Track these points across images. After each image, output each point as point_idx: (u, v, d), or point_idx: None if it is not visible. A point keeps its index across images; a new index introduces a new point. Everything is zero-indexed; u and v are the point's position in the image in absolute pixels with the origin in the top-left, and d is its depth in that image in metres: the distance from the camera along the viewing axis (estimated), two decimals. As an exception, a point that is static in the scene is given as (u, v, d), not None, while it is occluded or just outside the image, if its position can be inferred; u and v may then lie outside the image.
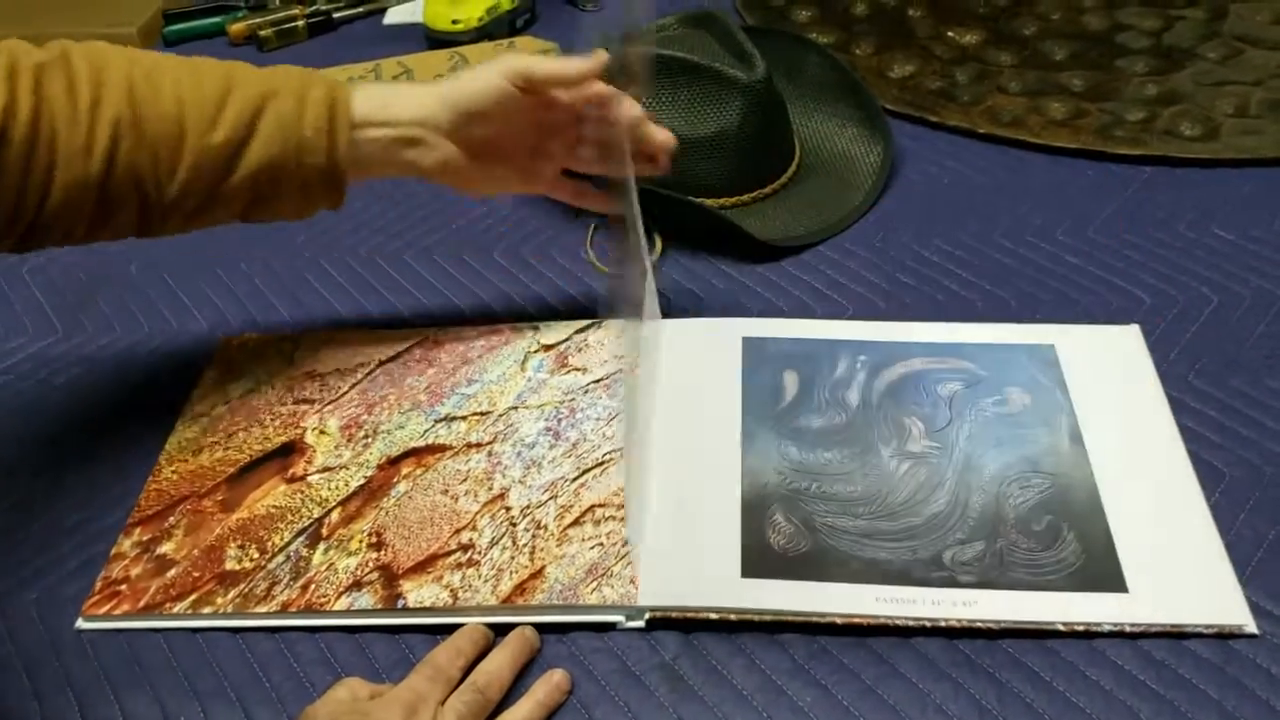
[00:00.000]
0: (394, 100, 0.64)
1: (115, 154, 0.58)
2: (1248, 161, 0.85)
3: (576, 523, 0.60)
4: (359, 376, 0.71)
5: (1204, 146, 0.86)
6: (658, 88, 0.81)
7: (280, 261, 0.84)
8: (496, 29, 1.09)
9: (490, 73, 0.64)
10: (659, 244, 0.81)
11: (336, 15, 1.17)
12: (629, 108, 0.64)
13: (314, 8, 1.16)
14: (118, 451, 0.69)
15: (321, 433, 0.68)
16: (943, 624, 0.54)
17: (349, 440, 0.67)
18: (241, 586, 0.59)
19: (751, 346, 0.70)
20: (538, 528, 0.60)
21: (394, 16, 1.18)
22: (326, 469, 0.65)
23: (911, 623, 0.54)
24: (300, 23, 1.15)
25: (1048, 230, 0.80)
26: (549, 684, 0.54)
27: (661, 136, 0.66)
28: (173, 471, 0.66)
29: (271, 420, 0.69)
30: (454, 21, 1.08)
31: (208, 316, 0.80)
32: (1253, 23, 1.01)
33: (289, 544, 0.61)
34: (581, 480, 0.63)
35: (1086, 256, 0.77)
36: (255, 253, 0.84)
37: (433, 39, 1.10)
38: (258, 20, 1.14)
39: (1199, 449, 0.62)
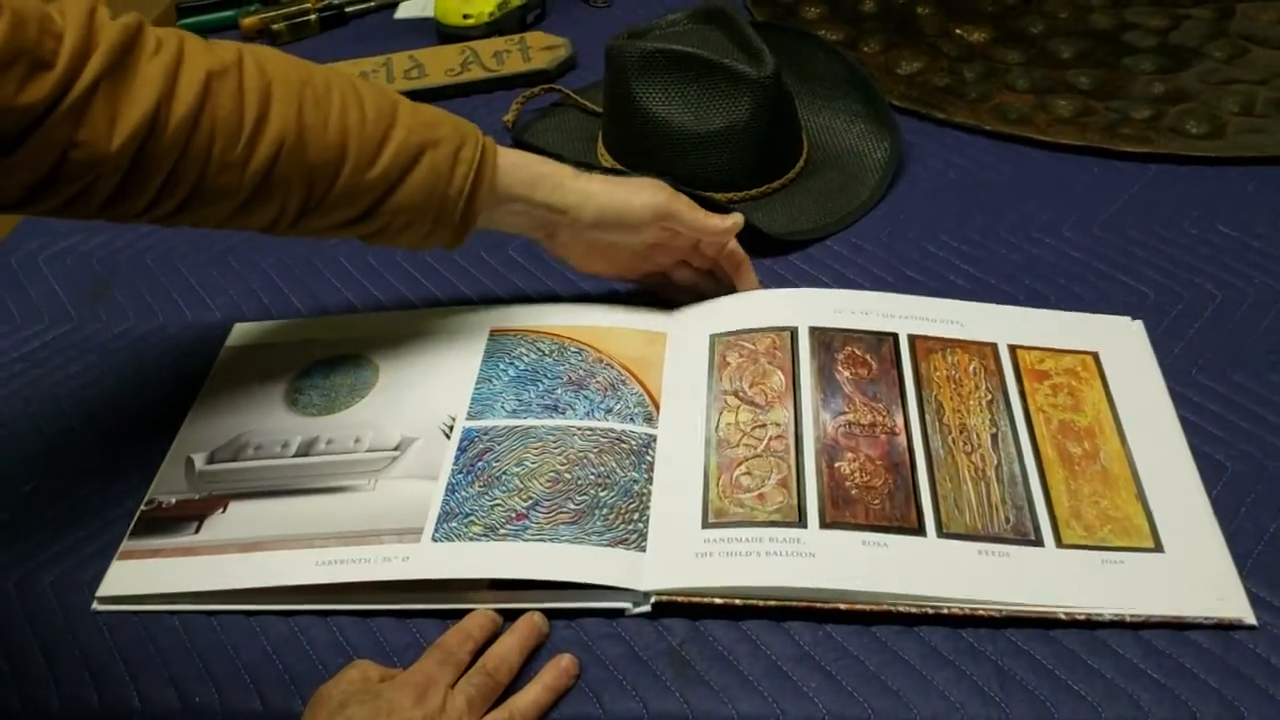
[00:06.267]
0: (541, 182, 0.66)
1: (271, 172, 0.58)
2: (1253, 160, 0.85)
3: None
4: None
5: (1209, 145, 0.87)
6: (667, 83, 0.81)
7: (294, 251, 0.85)
8: (507, 24, 1.10)
9: (642, 205, 0.67)
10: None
11: (348, 9, 1.18)
12: (749, 278, 0.73)
13: (326, 1, 1.17)
14: (133, 438, 0.70)
15: None
16: (959, 612, 0.55)
17: None
18: None
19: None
20: None
21: (405, 11, 1.19)
22: None
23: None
24: (312, 16, 1.16)
25: (1054, 226, 0.81)
26: (557, 668, 0.55)
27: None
28: None
29: None
30: (465, 16, 1.09)
31: (221, 305, 0.81)
32: (1259, 22, 1.02)
33: None
34: None
35: (1092, 253, 0.78)
36: (269, 242, 0.84)
37: (444, 33, 1.11)
38: (270, 14, 1.15)
39: (1201, 443, 0.63)
